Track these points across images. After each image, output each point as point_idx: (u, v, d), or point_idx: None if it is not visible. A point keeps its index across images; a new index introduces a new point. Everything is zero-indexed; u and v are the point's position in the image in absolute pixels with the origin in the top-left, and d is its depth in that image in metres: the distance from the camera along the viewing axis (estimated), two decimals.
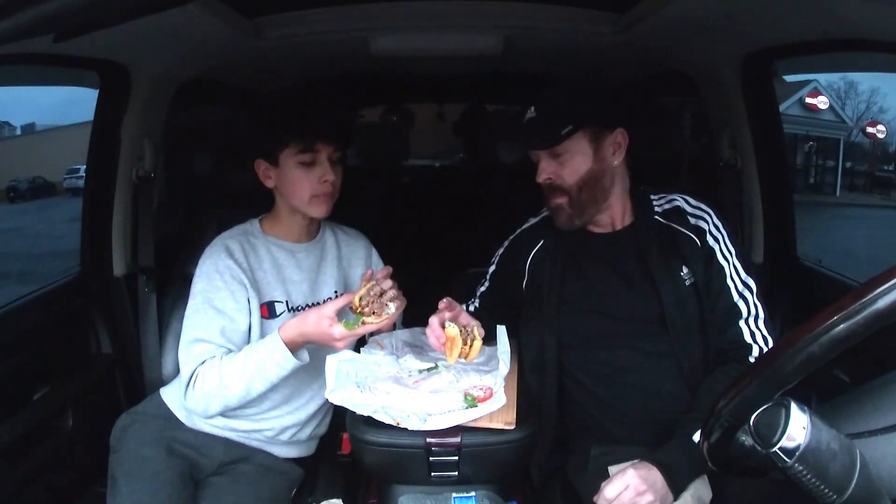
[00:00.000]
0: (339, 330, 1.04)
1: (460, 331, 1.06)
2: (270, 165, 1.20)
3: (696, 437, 0.99)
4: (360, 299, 1.07)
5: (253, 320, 1.17)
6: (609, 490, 0.98)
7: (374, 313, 1.06)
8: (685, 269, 1.12)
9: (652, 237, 1.14)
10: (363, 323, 1.06)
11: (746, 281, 1.12)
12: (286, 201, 1.22)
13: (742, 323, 1.10)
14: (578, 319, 1.15)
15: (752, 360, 1.09)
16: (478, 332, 1.08)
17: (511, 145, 1.18)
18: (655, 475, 0.99)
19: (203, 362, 1.11)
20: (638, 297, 1.12)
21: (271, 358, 1.08)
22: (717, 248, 1.12)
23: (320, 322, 1.05)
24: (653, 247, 1.13)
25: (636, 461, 1.01)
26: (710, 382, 1.08)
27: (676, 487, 1.00)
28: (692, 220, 1.15)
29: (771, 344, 1.09)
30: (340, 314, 1.07)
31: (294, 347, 1.09)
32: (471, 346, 1.06)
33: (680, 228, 1.14)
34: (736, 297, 1.11)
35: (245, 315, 1.16)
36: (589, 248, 1.18)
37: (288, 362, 1.08)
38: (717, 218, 1.15)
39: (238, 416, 1.20)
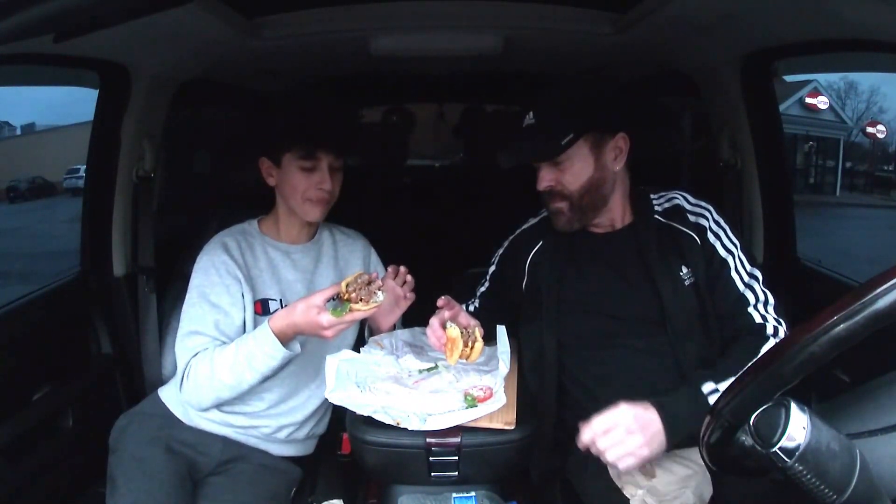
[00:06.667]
0: (326, 318, 1.03)
1: (461, 332, 1.06)
2: (273, 165, 1.21)
3: (706, 387, 0.98)
4: (347, 285, 1.05)
5: (247, 316, 1.18)
6: (598, 423, 0.93)
7: (361, 300, 1.04)
8: (685, 269, 1.11)
9: (651, 237, 1.14)
10: (351, 310, 1.04)
11: (752, 272, 1.10)
12: (285, 201, 1.23)
13: (751, 309, 1.08)
14: (578, 320, 1.15)
15: (769, 334, 1.05)
16: (479, 332, 1.08)
17: (510, 154, 1.14)
18: (652, 416, 0.95)
19: (196, 354, 1.12)
20: (637, 297, 1.12)
21: (261, 348, 1.07)
22: (718, 243, 1.11)
23: (308, 311, 1.04)
24: (652, 246, 1.13)
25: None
26: (732, 350, 1.05)
27: (673, 434, 0.95)
28: (692, 218, 1.14)
29: (785, 327, 1.06)
30: (329, 304, 1.06)
31: (284, 339, 1.08)
32: (472, 348, 1.06)
33: (680, 227, 1.14)
34: (742, 287, 1.09)
35: (239, 310, 1.17)
36: (588, 248, 1.18)
37: (278, 353, 1.07)
38: (718, 213, 1.14)
39: (235, 413, 1.20)
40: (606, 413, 0.94)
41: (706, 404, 0.96)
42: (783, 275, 1.52)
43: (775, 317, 1.07)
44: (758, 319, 1.07)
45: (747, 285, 1.10)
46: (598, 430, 0.93)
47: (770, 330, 1.06)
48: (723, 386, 0.96)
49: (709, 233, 1.12)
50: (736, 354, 1.04)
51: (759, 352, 1.01)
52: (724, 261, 1.11)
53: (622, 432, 0.93)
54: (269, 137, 1.21)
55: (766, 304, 1.08)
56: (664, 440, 0.95)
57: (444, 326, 1.07)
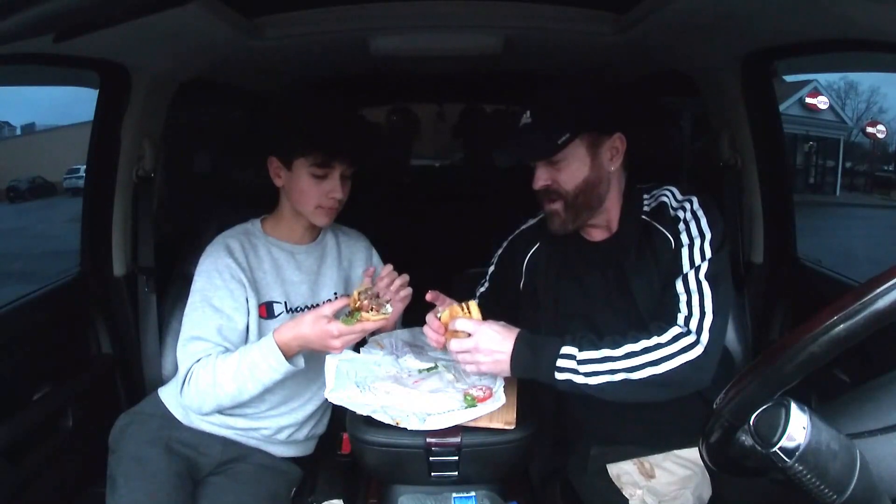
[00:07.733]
0: (336, 326, 1.03)
1: (452, 306, 1.06)
2: (283, 166, 1.19)
3: (566, 349, 1.00)
4: (360, 294, 1.07)
5: (251, 320, 1.17)
6: (462, 324, 1.02)
7: (372, 309, 1.06)
8: (656, 269, 1.08)
9: (632, 241, 1.11)
10: (361, 319, 1.05)
11: (710, 271, 1.03)
12: (292, 203, 1.23)
13: (681, 304, 1.03)
14: (575, 322, 1.14)
15: (666, 334, 1.01)
16: (472, 302, 1.07)
17: (507, 152, 1.13)
18: (504, 347, 1.02)
19: (199, 360, 1.11)
20: (621, 301, 1.10)
21: (264, 360, 1.08)
22: (684, 232, 1.06)
23: (317, 322, 1.05)
24: (631, 251, 1.10)
25: (503, 324, 1.05)
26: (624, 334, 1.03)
27: (515, 370, 1.03)
28: (672, 213, 1.09)
29: (698, 338, 1.00)
30: (338, 316, 1.07)
31: (289, 351, 1.08)
32: (468, 311, 1.05)
33: (658, 226, 1.09)
34: (680, 281, 1.04)
35: (243, 314, 1.16)
36: (581, 252, 1.17)
37: (281, 366, 1.07)
38: (700, 204, 1.07)
39: (235, 415, 1.20)
40: (473, 322, 1.03)
41: (552, 363, 1.01)
42: (783, 275, 1.52)
43: (698, 324, 1.01)
44: (678, 319, 1.02)
45: (685, 279, 1.03)
46: (458, 329, 1.03)
47: (672, 332, 1.00)
48: (581, 356, 1.00)
49: (681, 223, 1.07)
50: (613, 339, 1.02)
51: (637, 341, 1.00)
52: (681, 246, 1.05)
53: (471, 343, 1.02)
54: (283, 140, 1.19)
55: (700, 305, 1.01)
56: (508, 370, 1.03)
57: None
